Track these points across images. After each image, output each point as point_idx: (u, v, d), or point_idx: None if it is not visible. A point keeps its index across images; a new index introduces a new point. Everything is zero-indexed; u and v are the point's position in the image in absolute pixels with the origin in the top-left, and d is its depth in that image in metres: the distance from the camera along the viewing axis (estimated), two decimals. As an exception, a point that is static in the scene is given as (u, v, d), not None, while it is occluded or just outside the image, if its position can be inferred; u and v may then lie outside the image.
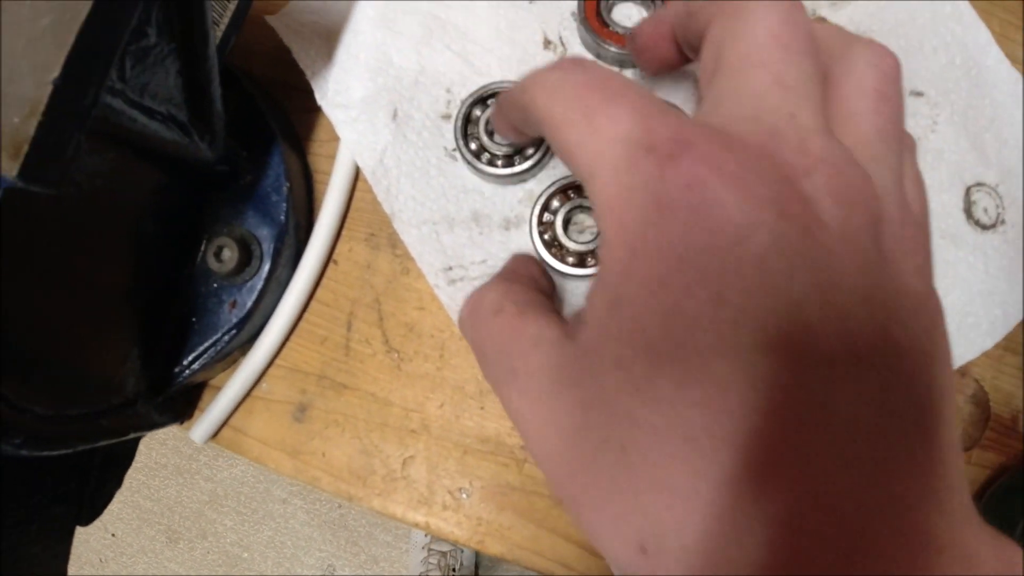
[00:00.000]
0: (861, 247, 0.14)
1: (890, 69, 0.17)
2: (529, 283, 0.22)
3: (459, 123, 0.29)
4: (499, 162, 0.28)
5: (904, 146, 0.17)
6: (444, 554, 1.13)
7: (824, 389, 0.13)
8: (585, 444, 0.15)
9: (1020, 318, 0.28)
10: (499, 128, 0.24)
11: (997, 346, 0.30)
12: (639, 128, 0.15)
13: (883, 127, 0.16)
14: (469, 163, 0.29)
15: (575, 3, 0.30)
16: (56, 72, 0.17)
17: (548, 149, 0.29)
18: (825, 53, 0.17)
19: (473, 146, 0.29)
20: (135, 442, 0.31)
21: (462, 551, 1.14)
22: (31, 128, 0.17)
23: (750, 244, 0.14)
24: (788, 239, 0.14)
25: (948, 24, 0.30)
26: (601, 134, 0.16)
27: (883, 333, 0.14)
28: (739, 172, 0.14)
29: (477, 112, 0.29)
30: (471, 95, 0.29)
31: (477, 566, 1.17)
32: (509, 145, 0.28)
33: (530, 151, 0.28)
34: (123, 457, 0.31)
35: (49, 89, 0.17)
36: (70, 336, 0.24)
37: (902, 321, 0.14)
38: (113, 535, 1.26)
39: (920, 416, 0.14)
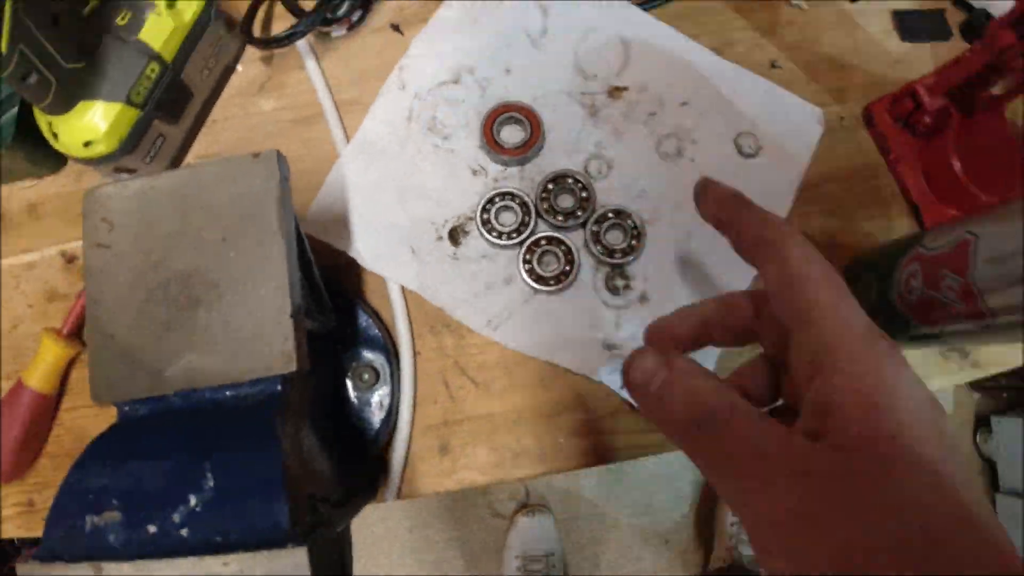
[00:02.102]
0: None
1: None
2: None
3: (479, 220, 0.46)
4: (504, 237, 0.46)
5: None
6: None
7: None
8: None
9: (787, 207, 0.48)
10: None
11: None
12: None
13: None
14: (491, 241, 0.46)
15: (479, 138, 0.48)
16: (290, 311, 0.33)
17: (533, 229, 0.46)
18: None
19: (494, 233, 0.46)
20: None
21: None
22: (291, 345, 0.32)
23: None
24: None
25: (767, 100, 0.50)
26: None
27: None
28: None
29: (486, 215, 0.47)
30: (476, 208, 0.47)
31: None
32: (511, 226, 0.46)
33: (525, 230, 0.46)
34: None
35: (291, 322, 0.33)
36: (321, 455, 0.39)
37: None
38: None
39: None
